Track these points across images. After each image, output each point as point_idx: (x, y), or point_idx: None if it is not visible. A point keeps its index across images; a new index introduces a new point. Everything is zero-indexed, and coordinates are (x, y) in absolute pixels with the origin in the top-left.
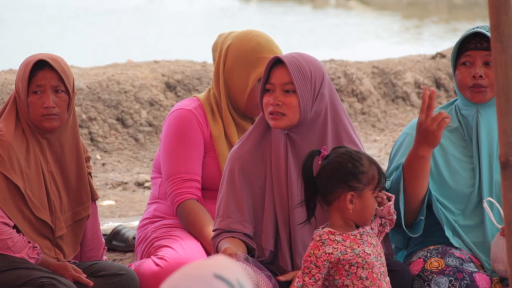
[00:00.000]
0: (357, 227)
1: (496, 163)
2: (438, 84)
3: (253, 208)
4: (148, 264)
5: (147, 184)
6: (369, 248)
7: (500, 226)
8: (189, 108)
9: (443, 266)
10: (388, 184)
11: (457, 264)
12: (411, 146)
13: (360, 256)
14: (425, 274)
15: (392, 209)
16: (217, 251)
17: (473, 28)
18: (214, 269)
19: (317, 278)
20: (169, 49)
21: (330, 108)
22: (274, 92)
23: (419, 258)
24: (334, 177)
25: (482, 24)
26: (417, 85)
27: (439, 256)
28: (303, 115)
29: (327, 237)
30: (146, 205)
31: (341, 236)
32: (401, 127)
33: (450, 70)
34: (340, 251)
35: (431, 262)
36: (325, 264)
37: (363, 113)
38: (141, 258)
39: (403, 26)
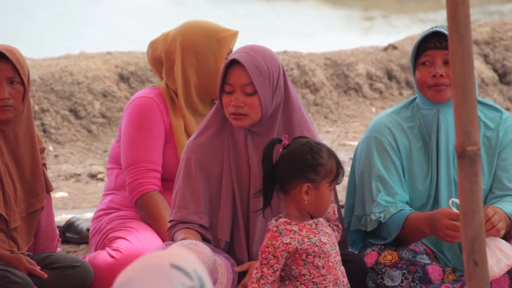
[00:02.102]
0: (312, 218)
1: (453, 163)
2: (390, 76)
3: (209, 199)
4: (103, 256)
5: (100, 176)
6: (324, 237)
7: None
8: (151, 96)
9: (397, 259)
10: (379, 216)
11: (410, 256)
12: (382, 151)
13: (316, 245)
14: (379, 267)
15: (335, 213)
16: (173, 241)
17: (432, 28)
18: (170, 259)
19: (275, 269)
20: (123, 41)
21: (289, 96)
22: (234, 92)
23: (373, 250)
24: (292, 167)
25: (433, 15)
26: (369, 76)
27: (393, 248)
28: (265, 112)
29: (284, 227)
30: (99, 197)
31: (297, 226)
32: (353, 118)
33: (402, 61)
34: (298, 241)
35: (384, 255)
36: (283, 255)
37: (316, 105)
38: (96, 250)
39: (354, 18)
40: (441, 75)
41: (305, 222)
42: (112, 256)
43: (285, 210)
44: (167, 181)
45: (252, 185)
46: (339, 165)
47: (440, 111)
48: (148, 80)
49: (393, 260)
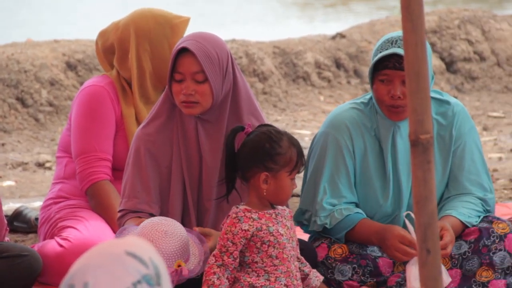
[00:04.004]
0: (274, 207)
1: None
2: (338, 64)
3: (159, 188)
4: (52, 245)
5: (48, 165)
6: (283, 229)
7: None
8: (102, 85)
9: (347, 253)
10: (323, 221)
11: (360, 250)
12: (337, 152)
13: (273, 235)
14: (329, 261)
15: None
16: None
17: (392, 44)
18: (126, 247)
19: (235, 256)
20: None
21: (238, 84)
22: (184, 81)
23: (323, 243)
24: (251, 156)
25: (394, 2)
26: (318, 65)
27: (343, 241)
28: (216, 99)
29: (243, 214)
30: (47, 186)
31: (257, 214)
32: (302, 106)
33: (350, 50)
34: (256, 227)
35: (335, 249)
36: (241, 241)
37: (265, 93)
38: (45, 239)
39: (300, 6)
40: (399, 97)
41: (265, 211)
42: (61, 245)
43: (247, 196)
44: (117, 170)
45: (204, 173)
46: (300, 154)
47: (398, 125)
48: (95, 68)
49: (344, 254)
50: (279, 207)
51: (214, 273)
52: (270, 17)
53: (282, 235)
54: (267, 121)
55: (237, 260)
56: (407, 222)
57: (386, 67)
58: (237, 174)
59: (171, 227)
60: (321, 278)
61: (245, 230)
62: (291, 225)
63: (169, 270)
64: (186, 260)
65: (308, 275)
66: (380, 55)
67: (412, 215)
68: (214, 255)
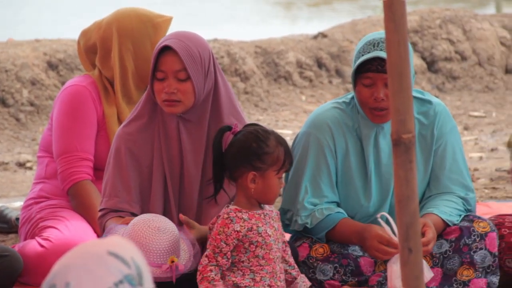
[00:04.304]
0: (262, 207)
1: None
2: (320, 64)
3: (140, 187)
4: (33, 245)
5: (28, 164)
6: (270, 230)
7: (397, 240)
8: (83, 84)
9: (328, 252)
10: (305, 220)
11: (342, 249)
12: (319, 152)
13: (261, 236)
14: (311, 261)
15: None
16: (104, 230)
17: (374, 47)
18: (108, 247)
19: (228, 256)
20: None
21: (219, 83)
22: (166, 79)
23: (304, 242)
24: (238, 155)
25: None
26: (299, 64)
27: (324, 241)
28: (198, 98)
29: (234, 214)
30: (27, 186)
31: (247, 214)
32: (284, 106)
33: (332, 49)
34: (247, 228)
35: (316, 249)
36: (234, 242)
37: (246, 93)
38: (25, 239)
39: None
40: (383, 99)
41: (255, 211)
42: (42, 246)
43: (235, 196)
44: (99, 170)
45: (185, 172)
46: (287, 153)
47: (382, 126)
48: (77, 68)
49: (325, 254)
50: (267, 207)
51: (211, 270)
52: (253, 17)
53: (270, 236)
54: (248, 121)
55: (230, 260)
56: (382, 223)
57: (369, 70)
58: (224, 174)
59: (163, 224)
60: (308, 284)
61: (237, 231)
62: (279, 226)
63: (163, 267)
64: (177, 256)
65: (295, 278)
66: (362, 58)
67: (387, 216)
68: (207, 256)
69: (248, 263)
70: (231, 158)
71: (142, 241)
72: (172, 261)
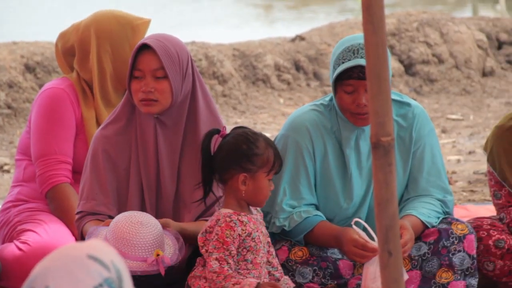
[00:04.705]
0: (250, 210)
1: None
2: (298, 67)
3: (118, 190)
4: (11, 249)
5: (6, 168)
6: (260, 235)
7: (373, 243)
8: (62, 87)
9: (307, 255)
10: (282, 223)
11: (321, 252)
12: (298, 154)
13: (254, 241)
14: (290, 264)
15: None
16: (81, 233)
17: (354, 54)
18: (87, 250)
19: (235, 259)
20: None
21: (195, 86)
22: (143, 78)
23: (284, 245)
24: (228, 158)
25: (353, 5)
26: (277, 67)
27: (303, 243)
28: (175, 99)
29: (236, 217)
30: (5, 189)
31: (246, 217)
32: (262, 109)
33: (309, 52)
34: (247, 233)
35: (295, 252)
36: (236, 245)
37: (224, 96)
38: (3, 243)
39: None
40: (365, 105)
41: (252, 215)
42: (20, 249)
43: (224, 198)
44: (78, 173)
45: (161, 176)
46: (276, 155)
47: (363, 128)
48: (54, 71)
49: (304, 257)
50: (254, 211)
51: (228, 270)
52: (233, 19)
53: (261, 241)
54: (226, 126)
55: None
56: (356, 228)
57: (351, 77)
58: (214, 177)
59: (145, 218)
60: (292, 285)
61: (239, 235)
62: (265, 231)
63: (149, 260)
64: (162, 250)
65: (279, 280)
66: (344, 66)
67: (362, 221)
68: (218, 259)
69: (237, 266)
70: (221, 160)
71: (126, 236)
72: (158, 255)
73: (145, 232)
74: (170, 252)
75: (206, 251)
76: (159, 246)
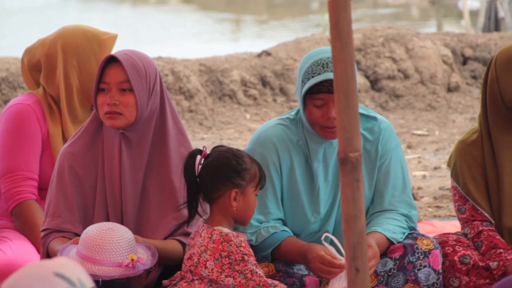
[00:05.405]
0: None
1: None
2: (264, 82)
3: (83, 207)
4: None
5: None
6: None
7: (342, 260)
8: (28, 103)
9: (274, 271)
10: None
11: (287, 268)
12: (264, 165)
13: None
14: None
15: None
16: (47, 251)
17: (323, 68)
18: (54, 268)
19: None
20: None
21: (163, 105)
22: (109, 91)
23: None
24: (218, 175)
25: (301, 23)
26: (244, 83)
27: (270, 259)
28: (140, 113)
29: (243, 237)
30: None
31: (244, 237)
32: (228, 125)
33: (276, 68)
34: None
35: (261, 268)
36: None
37: (191, 111)
38: None
39: (223, 24)
40: (335, 118)
41: (244, 233)
42: None
43: (210, 216)
44: (44, 190)
45: (123, 194)
46: (261, 170)
47: (328, 141)
48: (20, 86)
49: (270, 273)
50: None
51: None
52: (202, 35)
53: None
54: (192, 146)
55: None
56: (326, 244)
57: (321, 91)
58: (199, 197)
59: (114, 225)
60: None
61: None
62: None
63: (124, 262)
64: (136, 255)
65: None
66: (314, 80)
67: (331, 236)
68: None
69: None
70: (211, 178)
71: (98, 242)
72: (132, 259)
73: (116, 236)
74: (145, 256)
75: (240, 271)
76: (132, 251)
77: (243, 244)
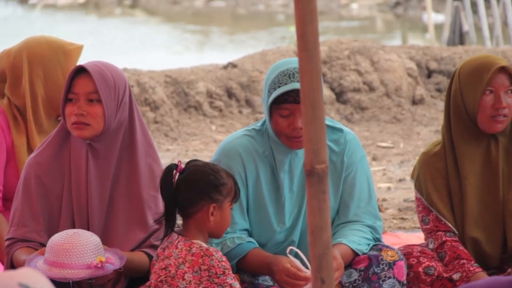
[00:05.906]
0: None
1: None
2: (230, 94)
3: (49, 217)
4: None
5: None
6: None
7: (307, 272)
8: None
9: (239, 282)
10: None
11: (252, 279)
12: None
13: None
14: None
15: None
16: (11, 261)
17: (290, 78)
18: (19, 278)
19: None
20: None
21: (132, 116)
22: (77, 101)
23: None
24: (195, 189)
25: (266, 35)
26: (209, 94)
27: (234, 270)
28: (108, 124)
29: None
30: None
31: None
32: (194, 136)
33: (242, 79)
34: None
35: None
36: None
37: (156, 122)
38: None
39: (189, 36)
40: (301, 128)
41: (209, 243)
42: None
43: (185, 231)
44: (8, 201)
45: (89, 204)
46: (236, 184)
47: (294, 151)
48: None
49: None
50: None
51: None
52: (172, 46)
53: None
54: (160, 159)
55: None
56: (291, 257)
57: (287, 101)
58: (176, 211)
59: (80, 230)
60: None
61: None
62: None
63: (93, 263)
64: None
65: None
66: (280, 90)
67: (296, 249)
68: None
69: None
70: (188, 193)
71: (65, 247)
72: (101, 261)
73: (83, 240)
74: (113, 257)
75: (218, 284)
76: (100, 254)
77: (223, 259)
